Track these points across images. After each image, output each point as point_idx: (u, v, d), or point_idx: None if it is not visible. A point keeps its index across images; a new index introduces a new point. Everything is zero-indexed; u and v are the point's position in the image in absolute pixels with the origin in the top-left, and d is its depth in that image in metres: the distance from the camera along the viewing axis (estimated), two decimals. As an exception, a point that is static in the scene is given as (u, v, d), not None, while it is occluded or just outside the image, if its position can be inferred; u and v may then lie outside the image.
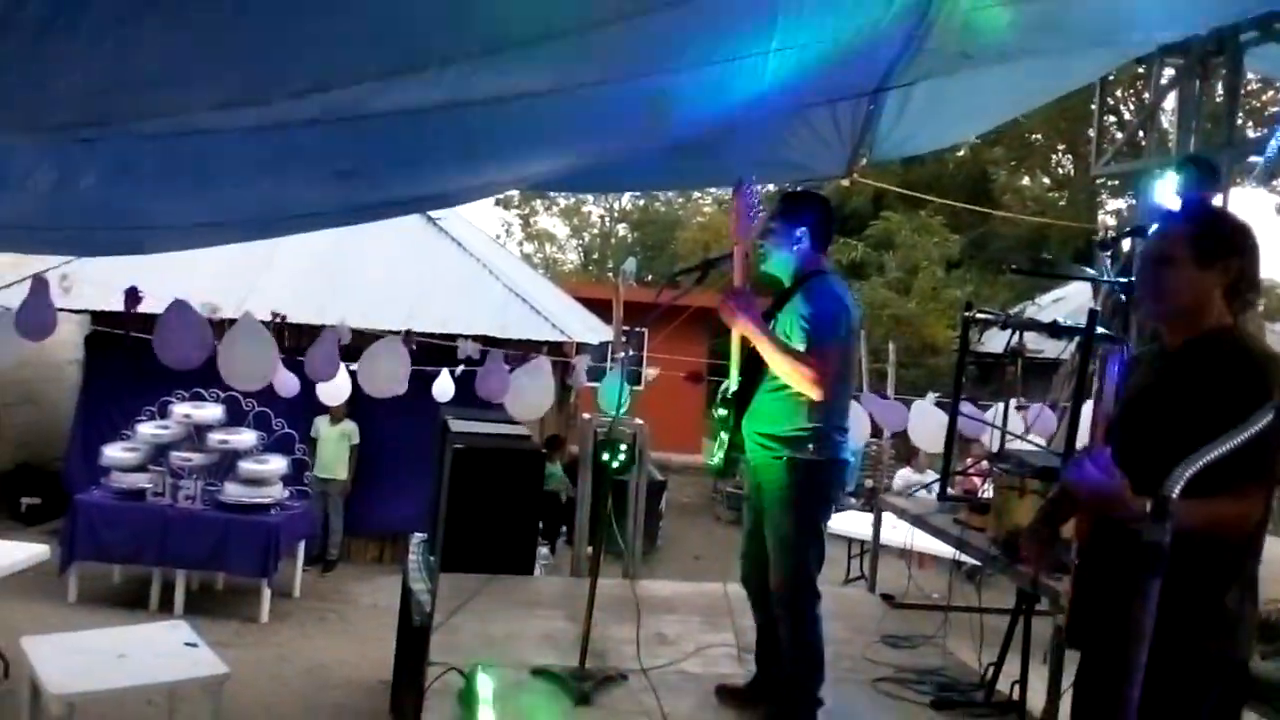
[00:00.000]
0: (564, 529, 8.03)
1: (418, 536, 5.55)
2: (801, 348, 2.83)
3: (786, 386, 2.85)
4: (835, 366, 2.84)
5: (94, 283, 5.27)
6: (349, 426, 8.42)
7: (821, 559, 2.98)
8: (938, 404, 6.75)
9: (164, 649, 4.37)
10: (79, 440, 8.61)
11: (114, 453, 7.29)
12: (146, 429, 7.39)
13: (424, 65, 2.34)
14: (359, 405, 7.41)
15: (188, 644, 4.42)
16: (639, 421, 5.21)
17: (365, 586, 8.20)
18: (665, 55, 3.01)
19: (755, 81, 3.50)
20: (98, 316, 7.77)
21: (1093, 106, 7.25)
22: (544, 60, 2.58)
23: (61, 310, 5.30)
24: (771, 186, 8.73)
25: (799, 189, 5.24)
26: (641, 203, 27.09)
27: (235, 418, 7.66)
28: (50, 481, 8.94)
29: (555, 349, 8.68)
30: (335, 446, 8.39)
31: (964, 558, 3.98)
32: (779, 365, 2.83)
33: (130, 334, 5.19)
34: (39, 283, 4.78)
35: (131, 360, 5.84)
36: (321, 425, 8.35)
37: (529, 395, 6.28)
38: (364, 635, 6.94)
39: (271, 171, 3.21)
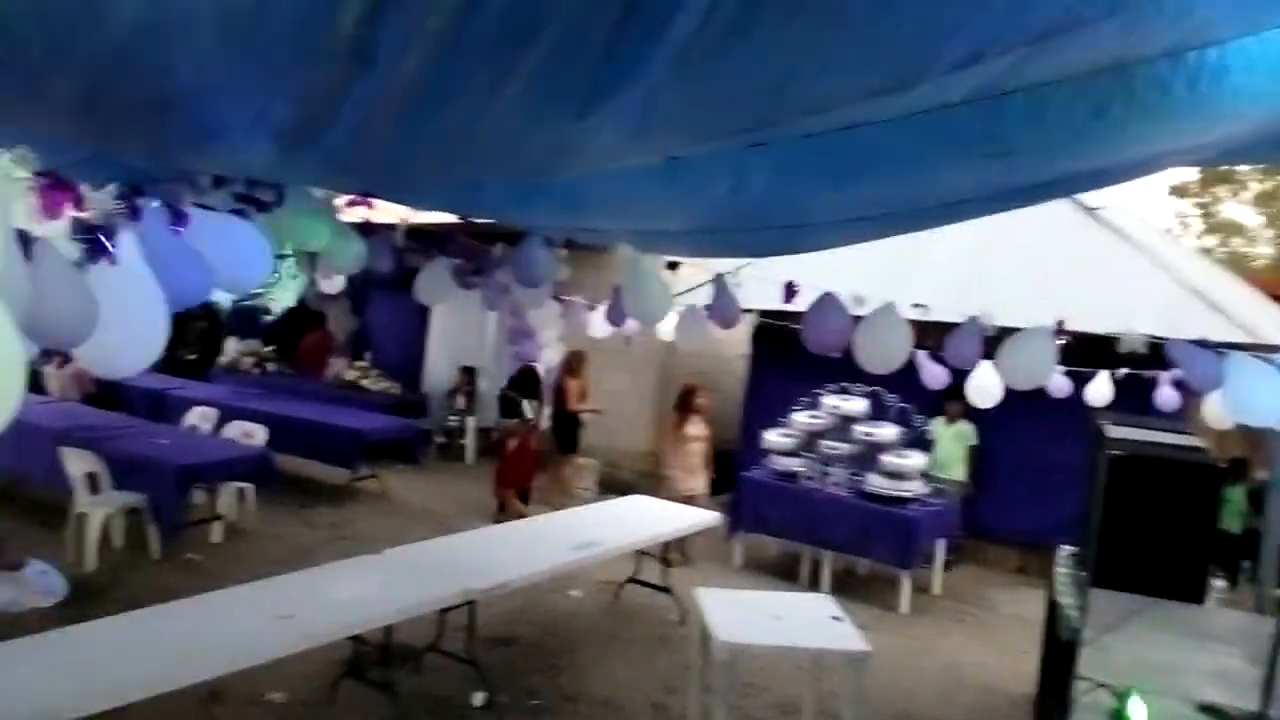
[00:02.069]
0: (1247, 563, 6.84)
1: (1066, 549, 5.17)
2: None
3: None
4: None
5: (760, 280, 5.85)
6: (965, 428, 8.27)
7: None
8: None
9: (812, 618, 4.68)
10: (745, 425, 9.75)
11: (773, 437, 8.08)
12: (801, 417, 8.05)
13: (1086, 18, 2.11)
14: (991, 408, 7.13)
15: (834, 618, 4.67)
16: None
17: (1006, 595, 7.92)
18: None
19: None
20: (762, 313, 8.70)
21: None
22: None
23: (734, 308, 6.00)
24: None
25: None
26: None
27: (878, 411, 7.94)
28: (723, 460, 10.25)
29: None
30: (950, 447, 8.29)
31: None
32: None
33: (788, 328, 5.66)
34: (721, 280, 5.46)
35: (789, 353, 6.37)
36: (937, 425, 8.30)
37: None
38: (1003, 643, 6.71)
39: (921, 159, 3.21)
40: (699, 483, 8.13)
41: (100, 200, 2.08)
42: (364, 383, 11.38)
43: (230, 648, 3.83)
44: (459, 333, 11.77)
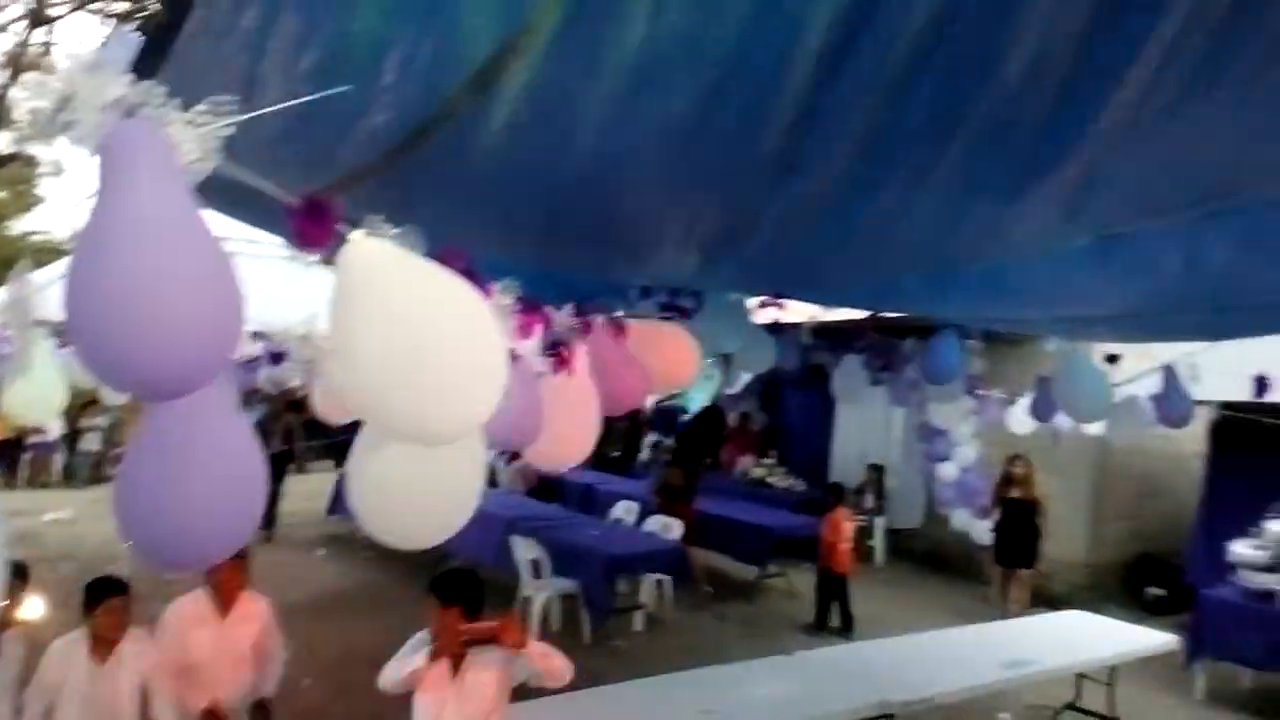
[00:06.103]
0: None
1: None
2: None
3: None
4: None
5: (1219, 371, 5.10)
6: None
7: None
8: None
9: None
10: (1202, 534, 8.44)
11: (1242, 550, 6.89)
12: (1276, 526, 6.79)
13: None
14: None
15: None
16: None
17: None
18: None
19: None
20: (1224, 406, 7.55)
21: None
22: None
23: (1185, 400, 5.26)
24: None
25: None
26: None
27: (1389, 523, 6.48)
28: (1172, 574, 8.94)
29: None
30: None
31: None
32: None
33: (1262, 422, 4.85)
34: (1170, 372, 4.82)
35: (1259, 452, 5.44)
36: None
37: None
38: None
39: None
40: None
41: (561, 319, 2.34)
42: (770, 479, 11.55)
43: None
44: (866, 429, 11.60)
